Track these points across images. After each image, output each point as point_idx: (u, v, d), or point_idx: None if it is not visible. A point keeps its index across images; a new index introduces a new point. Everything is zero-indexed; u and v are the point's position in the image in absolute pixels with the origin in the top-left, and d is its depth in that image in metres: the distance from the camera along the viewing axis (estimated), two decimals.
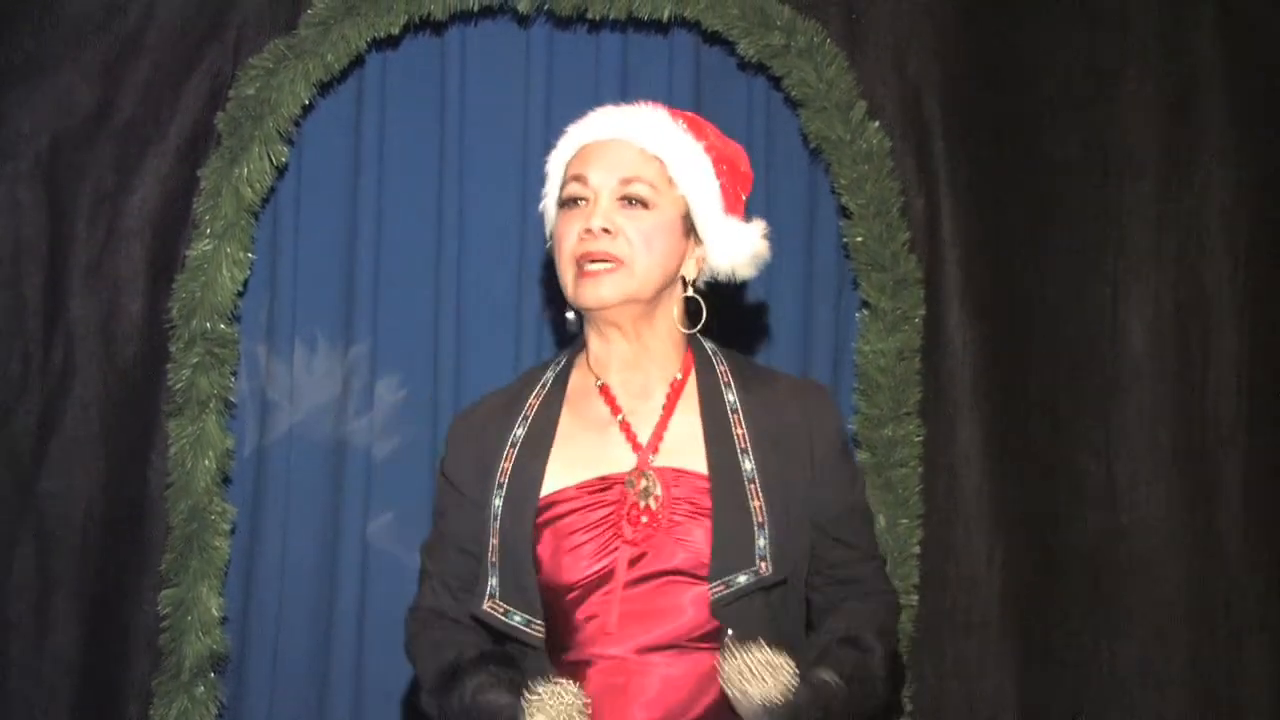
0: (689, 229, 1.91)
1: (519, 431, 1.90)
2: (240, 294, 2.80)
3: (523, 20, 2.92)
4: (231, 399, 2.80)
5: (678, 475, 1.84)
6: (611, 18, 2.88)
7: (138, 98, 2.79)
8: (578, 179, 1.88)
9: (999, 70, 3.00)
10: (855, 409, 2.93)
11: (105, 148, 2.78)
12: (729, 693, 1.70)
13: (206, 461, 2.73)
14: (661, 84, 2.94)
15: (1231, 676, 2.97)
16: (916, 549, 2.91)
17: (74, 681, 2.73)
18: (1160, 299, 3.01)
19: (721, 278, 1.95)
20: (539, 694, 1.69)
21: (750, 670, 1.68)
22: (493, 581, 1.84)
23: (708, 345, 1.97)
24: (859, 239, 2.90)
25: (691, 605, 1.80)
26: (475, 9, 2.85)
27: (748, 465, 1.84)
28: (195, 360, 2.74)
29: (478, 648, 1.86)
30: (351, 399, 2.90)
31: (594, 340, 1.93)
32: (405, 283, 2.93)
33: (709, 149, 1.92)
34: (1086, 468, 2.98)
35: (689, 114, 1.99)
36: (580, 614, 1.82)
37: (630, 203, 1.86)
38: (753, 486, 1.82)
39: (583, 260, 1.84)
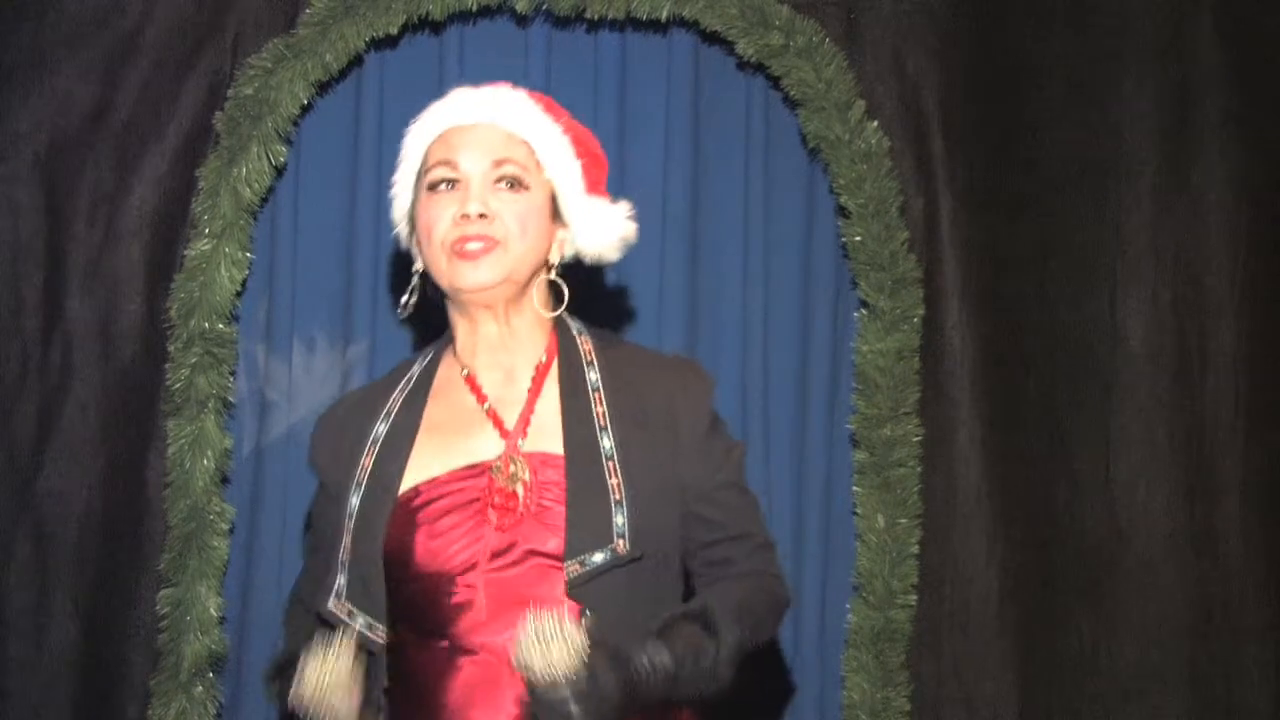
0: (554, 212, 1.89)
1: (380, 428, 1.88)
2: (239, 294, 2.80)
3: (521, 20, 2.92)
4: (230, 399, 2.80)
5: (545, 459, 1.82)
6: (610, 17, 2.88)
7: (136, 98, 2.79)
8: (446, 163, 1.86)
9: (999, 70, 3.00)
10: (854, 409, 2.92)
11: (104, 148, 2.79)
12: (515, 660, 1.63)
13: (205, 461, 2.73)
14: (660, 84, 2.94)
15: (1231, 677, 2.97)
16: (916, 549, 2.90)
17: (72, 681, 2.74)
18: (1160, 299, 3.01)
19: (588, 261, 1.93)
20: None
21: (538, 636, 1.61)
22: (340, 580, 1.81)
23: (573, 325, 1.94)
24: (857, 238, 2.90)
25: (559, 591, 1.76)
26: (474, 9, 2.84)
27: (606, 443, 1.81)
28: (194, 360, 2.74)
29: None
30: None
31: (461, 326, 1.91)
32: (404, 282, 2.91)
33: (567, 130, 1.91)
34: (1086, 468, 2.98)
35: (544, 96, 1.97)
36: (451, 603, 1.78)
37: (507, 184, 1.84)
38: (611, 464, 1.79)
39: (459, 243, 1.81)
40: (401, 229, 1.96)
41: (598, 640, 1.63)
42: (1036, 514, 2.97)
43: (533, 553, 1.78)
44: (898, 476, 2.88)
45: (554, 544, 1.78)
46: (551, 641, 1.60)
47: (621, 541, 1.75)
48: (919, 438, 2.90)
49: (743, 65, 2.95)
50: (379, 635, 1.80)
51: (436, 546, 1.80)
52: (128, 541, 2.77)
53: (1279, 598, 2.99)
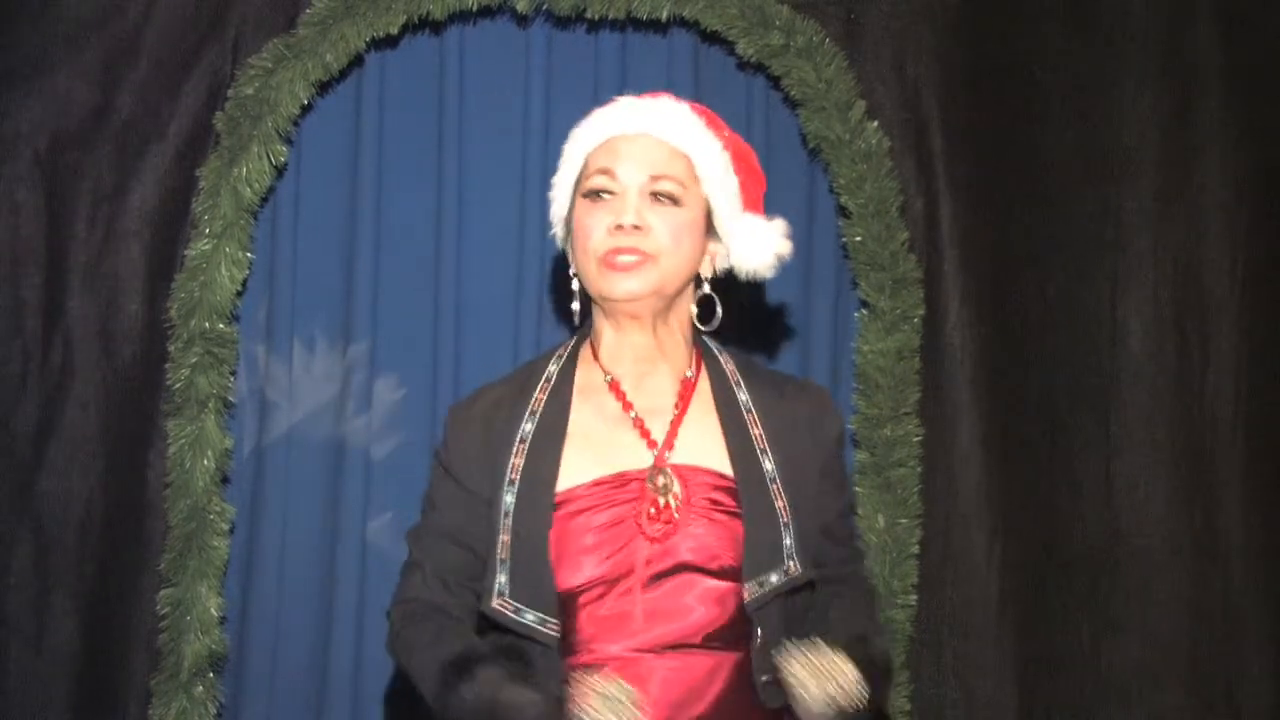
0: (709, 226, 1.90)
1: (528, 426, 1.88)
2: (239, 294, 2.79)
3: (522, 20, 2.92)
4: (230, 399, 2.80)
5: (695, 473, 1.84)
6: (610, 17, 2.88)
7: (136, 98, 2.79)
8: (605, 172, 1.87)
9: (999, 70, 3.00)
10: (855, 409, 2.92)
11: (104, 148, 2.78)
12: (794, 691, 1.70)
13: (205, 461, 2.73)
14: (661, 84, 2.93)
15: (1231, 676, 2.97)
16: (916, 549, 2.91)
17: (73, 681, 2.74)
18: (1160, 299, 3.01)
19: (742, 277, 1.94)
20: (593, 683, 1.65)
21: (818, 670, 1.69)
22: (501, 579, 1.82)
23: (712, 344, 1.97)
24: (858, 239, 2.90)
25: (702, 602, 1.80)
26: (474, 9, 2.84)
27: (768, 465, 1.85)
28: (194, 360, 2.74)
29: (487, 642, 1.84)
30: (350, 399, 2.90)
31: (608, 332, 1.92)
32: (404, 282, 2.92)
33: (727, 145, 1.92)
34: (1086, 467, 2.98)
35: (705, 109, 1.98)
36: (591, 615, 1.81)
37: (660, 199, 1.85)
38: (775, 487, 1.83)
39: (611, 255, 1.83)
40: (558, 230, 1.97)
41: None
42: (1036, 514, 2.97)
43: (679, 565, 1.80)
44: (898, 476, 2.89)
45: (700, 557, 1.80)
46: (833, 676, 1.69)
47: (793, 563, 1.81)
48: (919, 438, 2.91)
49: (743, 65, 2.95)
50: (553, 629, 1.80)
51: (579, 560, 1.81)
52: (128, 541, 2.77)
53: (1279, 598, 3.00)
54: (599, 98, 2.85)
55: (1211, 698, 2.97)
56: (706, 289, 1.92)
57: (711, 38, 2.92)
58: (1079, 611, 2.97)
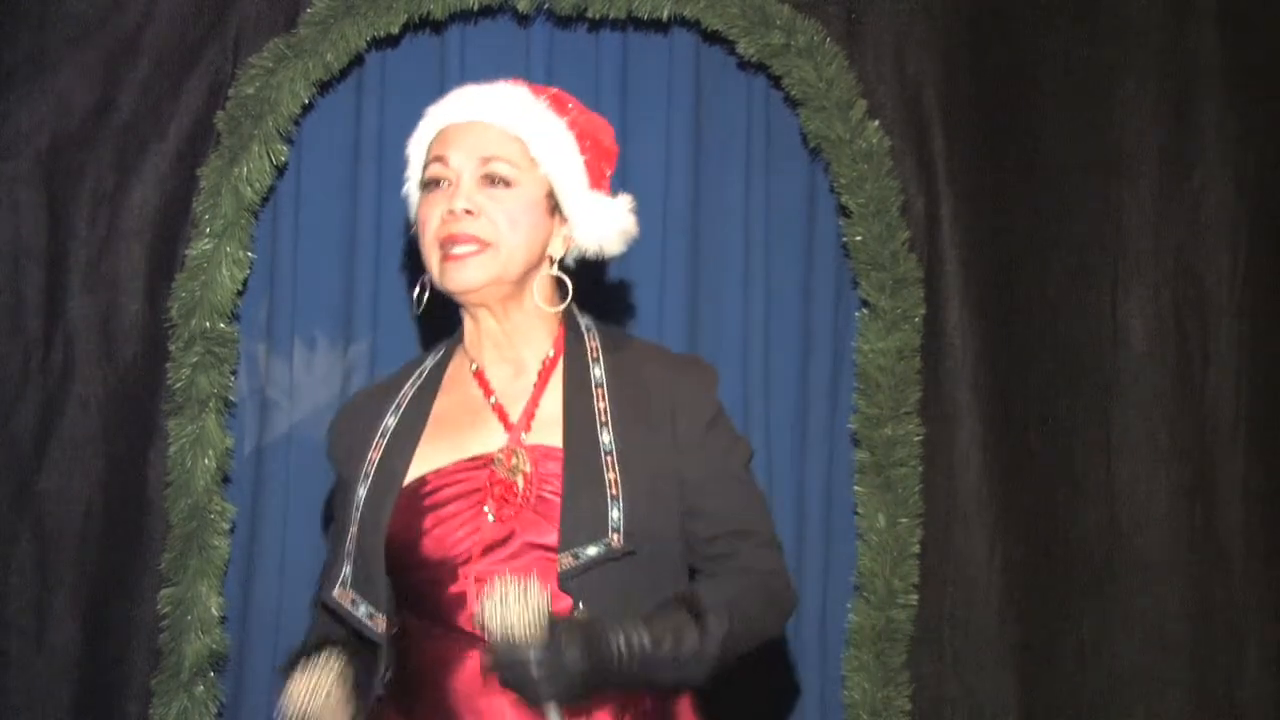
0: (554, 207, 1.89)
1: (390, 421, 1.90)
2: (240, 293, 2.80)
3: (522, 19, 2.92)
4: (231, 398, 2.80)
5: (547, 451, 1.83)
6: (611, 17, 2.88)
7: (137, 97, 2.79)
8: (438, 160, 1.87)
9: (999, 70, 3.00)
10: (855, 408, 2.92)
11: (105, 147, 2.79)
12: (478, 618, 1.63)
13: (206, 460, 2.73)
14: (661, 83, 2.94)
15: (1231, 676, 2.97)
16: (916, 549, 2.91)
17: (73, 680, 2.74)
18: (1160, 299, 3.01)
19: (590, 255, 1.93)
20: (305, 664, 1.71)
21: (497, 600, 1.62)
22: (346, 569, 1.84)
23: (582, 321, 1.95)
24: (858, 238, 2.90)
25: (554, 581, 1.77)
26: (475, 8, 2.85)
27: (605, 438, 1.82)
28: (195, 359, 2.74)
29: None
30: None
31: (466, 322, 1.93)
32: (404, 282, 2.92)
33: (571, 125, 1.91)
34: (1086, 467, 2.98)
35: (552, 90, 1.97)
36: (452, 592, 1.80)
37: (492, 182, 1.84)
38: (609, 458, 1.80)
39: (447, 243, 1.82)
40: (416, 230, 1.96)
41: (577, 616, 1.65)
42: (1037, 513, 2.97)
43: (531, 545, 1.79)
44: (899, 476, 2.89)
45: (552, 536, 1.78)
46: (514, 603, 1.60)
47: (616, 535, 1.76)
48: (920, 437, 2.91)
49: (744, 65, 2.95)
50: (379, 624, 1.82)
51: (440, 535, 1.81)
52: (128, 541, 2.77)
53: (1279, 597, 3.00)
54: (600, 97, 2.88)
55: (1211, 698, 2.97)
56: (555, 270, 1.90)
57: (712, 37, 2.92)
58: (1079, 611, 2.97)
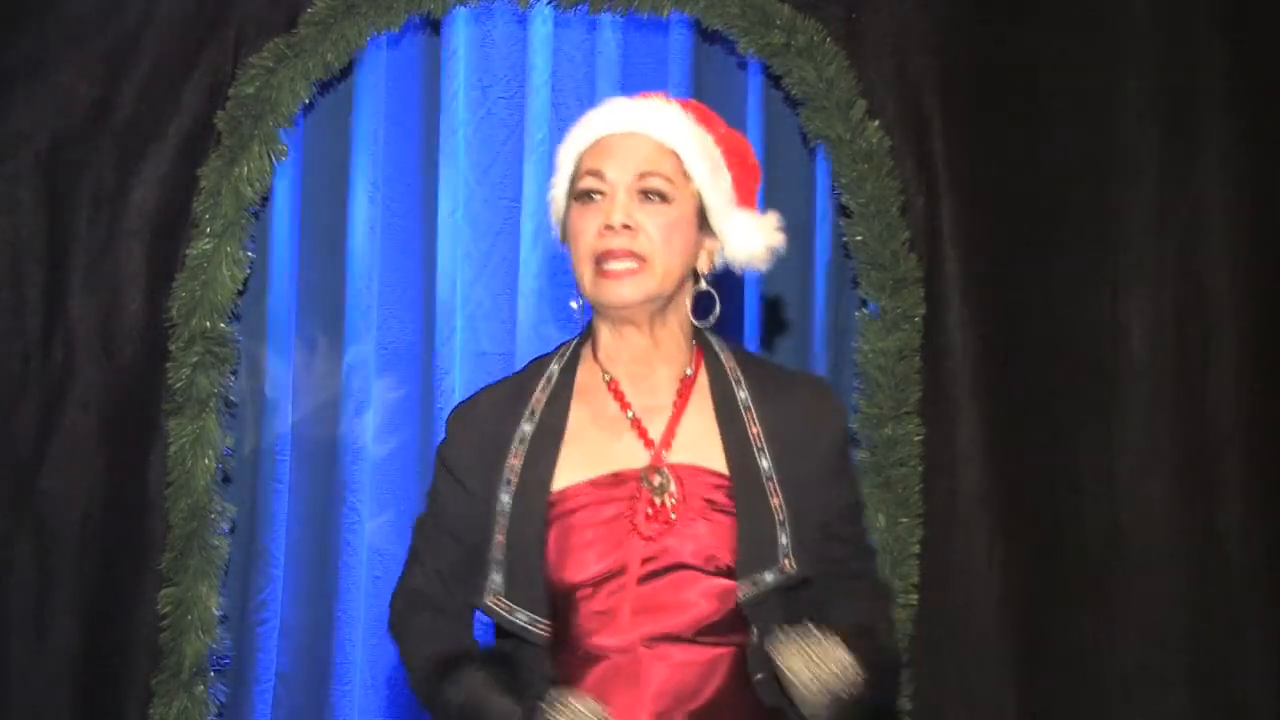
0: (702, 222, 1.89)
1: (526, 427, 1.88)
2: (240, 293, 2.80)
3: (523, 19, 2.92)
4: (231, 398, 2.80)
5: (692, 472, 1.83)
6: (612, 16, 2.88)
7: (137, 97, 2.80)
8: (593, 173, 1.86)
9: (999, 70, 3.00)
10: (855, 408, 2.92)
11: (105, 147, 2.79)
12: (787, 678, 1.69)
13: (206, 460, 2.74)
14: (661, 82, 2.94)
15: (1231, 676, 2.97)
16: (916, 548, 2.90)
17: (73, 680, 2.74)
18: (1160, 299, 3.01)
19: (737, 271, 1.94)
20: (562, 702, 1.68)
21: (810, 656, 1.67)
22: (496, 578, 1.83)
23: (713, 340, 1.96)
24: (859, 238, 2.90)
25: (703, 598, 1.80)
26: (475, 7, 2.85)
27: (764, 463, 1.83)
28: (195, 359, 2.74)
29: (477, 643, 1.87)
30: (351, 398, 2.90)
31: (606, 334, 1.91)
32: (405, 281, 2.93)
33: (719, 140, 1.91)
34: (1086, 467, 2.98)
35: (698, 105, 1.98)
36: (586, 610, 1.80)
37: (649, 197, 1.84)
38: (771, 484, 1.82)
39: (603, 258, 1.82)
40: (556, 233, 1.96)
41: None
42: (1037, 513, 2.97)
43: (677, 564, 1.80)
44: (899, 476, 2.89)
45: (697, 556, 1.80)
46: (827, 660, 1.67)
47: (788, 561, 1.80)
48: (920, 437, 2.90)
49: (743, 64, 2.95)
50: (543, 630, 1.80)
51: (577, 558, 1.81)
52: (129, 541, 2.77)
53: (1279, 598, 3.00)
54: (600, 97, 2.88)
55: (1211, 698, 2.96)
56: (704, 285, 1.91)
57: (712, 37, 2.92)
58: (1079, 611, 2.96)
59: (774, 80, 2.94)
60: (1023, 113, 3.00)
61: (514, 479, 1.85)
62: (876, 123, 2.91)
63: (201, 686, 2.75)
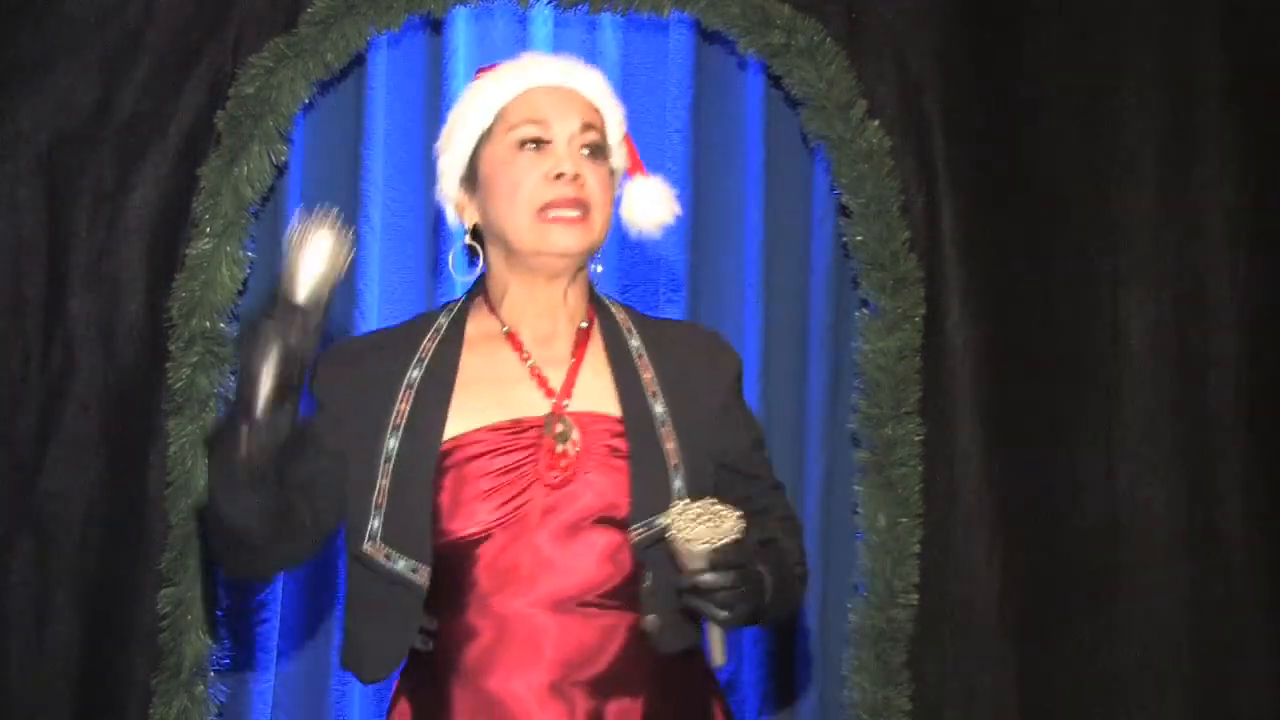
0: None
1: (415, 373, 1.84)
2: (240, 293, 2.80)
3: (523, 19, 2.92)
4: (231, 398, 2.80)
5: (594, 419, 1.82)
6: (612, 15, 2.88)
7: (137, 96, 2.79)
8: (535, 122, 1.83)
9: (999, 69, 3.00)
10: (855, 408, 2.92)
11: (105, 147, 2.79)
12: (672, 542, 1.65)
13: (206, 460, 2.73)
14: (661, 82, 2.94)
15: (1231, 677, 2.97)
16: (916, 548, 2.90)
17: (73, 680, 2.74)
18: (1160, 299, 3.01)
19: (633, 236, 1.95)
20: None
21: (694, 516, 1.64)
22: (375, 523, 1.78)
23: (604, 298, 1.96)
24: (859, 238, 2.90)
25: (601, 558, 1.77)
26: (475, 6, 2.85)
27: (658, 408, 1.83)
28: (195, 359, 2.74)
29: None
30: None
31: (517, 286, 1.87)
32: (405, 281, 2.93)
33: (619, 110, 1.94)
34: (1086, 467, 2.98)
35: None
36: (482, 565, 1.77)
37: (591, 151, 1.84)
38: (665, 429, 1.82)
39: (551, 205, 1.80)
40: (447, 187, 1.92)
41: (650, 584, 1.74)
42: (1037, 513, 2.97)
43: (578, 515, 1.78)
44: (899, 476, 2.88)
45: (599, 505, 1.78)
46: (706, 521, 1.64)
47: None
48: (920, 437, 2.90)
49: (744, 64, 2.95)
50: (423, 577, 1.77)
51: (473, 505, 1.77)
52: (129, 541, 2.77)
53: (1279, 598, 3.00)
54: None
55: (1211, 698, 2.97)
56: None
57: (712, 37, 2.92)
58: (1079, 611, 2.96)
59: (774, 80, 2.94)
60: (1023, 112, 3.00)
61: (401, 423, 1.80)
62: (876, 123, 2.91)
63: (201, 686, 2.75)
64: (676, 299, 2.95)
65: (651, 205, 1.92)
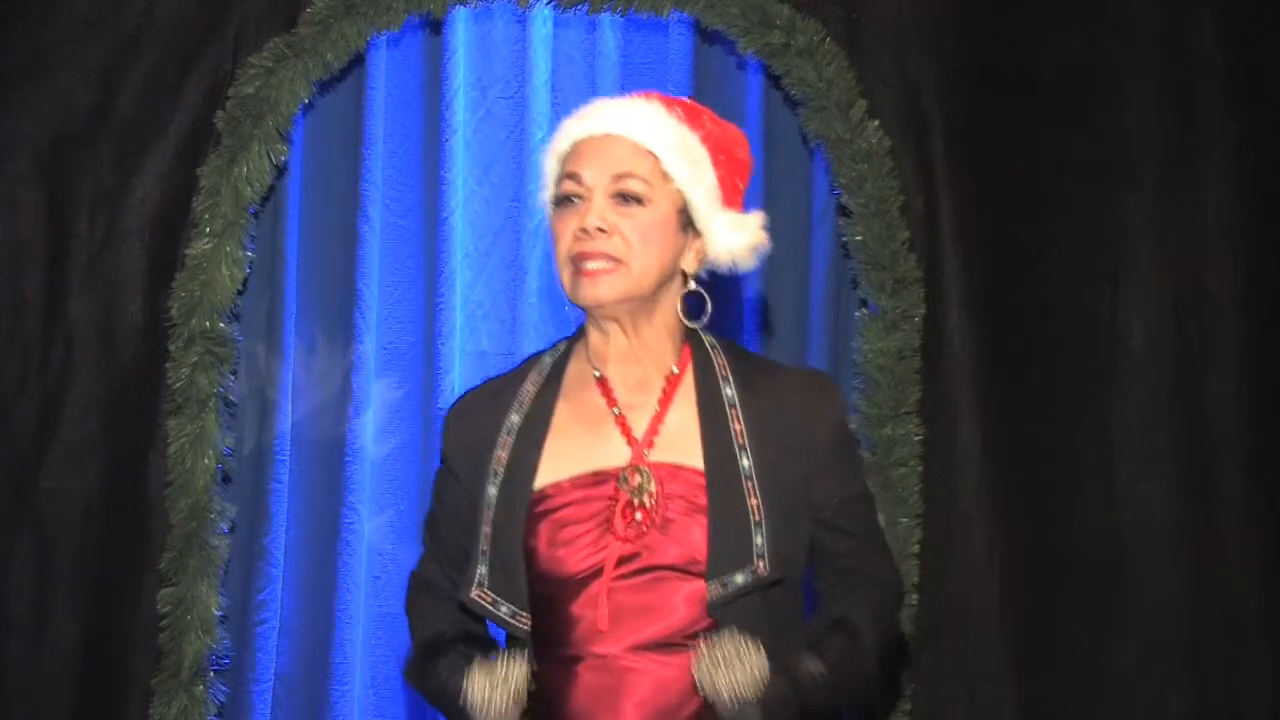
0: (686, 222, 1.89)
1: (514, 418, 1.89)
2: (240, 293, 2.80)
3: (523, 19, 2.92)
4: (231, 398, 2.81)
5: (674, 471, 1.83)
6: (611, 15, 2.88)
7: (137, 97, 2.79)
8: (571, 177, 1.87)
9: (999, 69, 3.00)
10: (855, 408, 2.92)
11: (105, 147, 2.79)
12: (699, 684, 1.70)
13: (206, 460, 2.74)
14: (661, 82, 2.94)
15: (1231, 676, 2.97)
16: (916, 549, 2.90)
17: (73, 680, 2.74)
18: (1160, 299, 3.00)
19: (722, 270, 1.94)
20: (487, 663, 1.74)
21: (720, 660, 1.68)
22: (481, 569, 1.83)
23: (707, 339, 1.95)
24: (858, 238, 2.90)
25: (685, 603, 1.79)
26: (475, 6, 2.85)
27: (745, 462, 1.82)
28: (195, 359, 2.74)
29: (460, 626, 1.90)
30: (351, 398, 2.90)
31: (592, 333, 1.92)
32: (405, 281, 2.93)
33: (706, 138, 1.91)
34: (1086, 468, 2.98)
35: (686, 102, 1.98)
36: (572, 610, 1.80)
37: (624, 199, 1.84)
38: (750, 484, 1.81)
39: (578, 260, 1.83)
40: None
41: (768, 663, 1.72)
42: (1037, 514, 2.97)
43: (656, 565, 1.80)
44: (898, 476, 2.88)
45: (676, 555, 1.79)
46: (736, 663, 1.67)
47: (761, 563, 1.78)
48: (919, 437, 2.90)
49: (743, 64, 2.95)
50: (523, 622, 1.81)
51: (560, 553, 1.81)
52: (128, 541, 2.77)
53: (1279, 598, 2.99)
54: (599, 95, 2.88)
55: (1211, 698, 2.96)
56: (692, 285, 1.91)
57: (712, 37, 2.92)
58: (1079, 611, 2.96)
59: (774, 80, 2.94)
60: (1023, 112, 3.00)
61: (500, 470, 1.86)
62: (876, 123, 2.90)
63: (201, 686, 2.75)
64: None
65: (725, 238, 1.90)
